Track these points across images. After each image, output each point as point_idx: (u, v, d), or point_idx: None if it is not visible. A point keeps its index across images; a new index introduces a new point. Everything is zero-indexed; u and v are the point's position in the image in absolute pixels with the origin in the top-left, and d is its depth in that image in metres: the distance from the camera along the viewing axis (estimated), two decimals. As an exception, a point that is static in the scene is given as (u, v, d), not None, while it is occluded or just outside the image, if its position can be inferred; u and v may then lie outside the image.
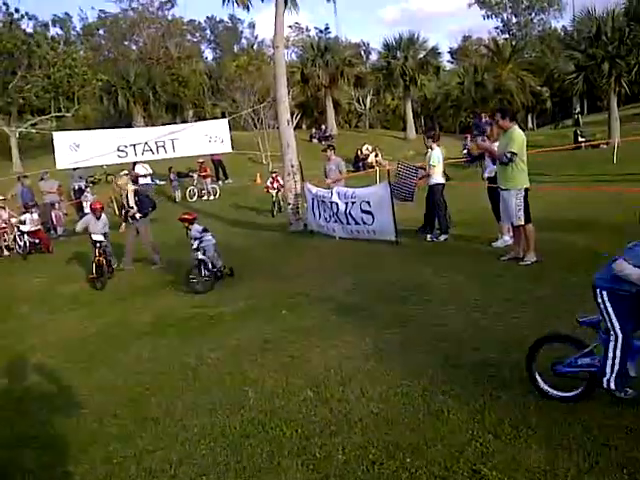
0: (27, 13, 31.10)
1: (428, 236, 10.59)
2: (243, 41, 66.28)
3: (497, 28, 61.14)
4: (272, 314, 7.32)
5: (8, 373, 6.32)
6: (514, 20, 63.23)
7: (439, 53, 37.83)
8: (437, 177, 10.53)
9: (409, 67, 34.63)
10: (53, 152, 11.96)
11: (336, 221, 11.91)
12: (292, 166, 13.68)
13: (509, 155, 7.96)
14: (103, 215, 10.94)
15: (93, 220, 10.76)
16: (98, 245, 10.51)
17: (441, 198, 10.54)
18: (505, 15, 64.14)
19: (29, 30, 31.81)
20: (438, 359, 5.14)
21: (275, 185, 18.00)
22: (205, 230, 9.70)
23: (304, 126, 43.92)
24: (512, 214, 8.15)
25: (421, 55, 36.39)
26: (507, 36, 58.12)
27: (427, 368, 4.96)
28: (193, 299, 8.76)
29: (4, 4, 29.78)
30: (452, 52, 63.88)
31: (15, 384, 5.95)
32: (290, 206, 13.88)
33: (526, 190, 8.13)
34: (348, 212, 11.42)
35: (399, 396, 4.53)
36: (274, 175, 18.23)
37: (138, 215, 11.43)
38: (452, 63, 61.43)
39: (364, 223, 11.14)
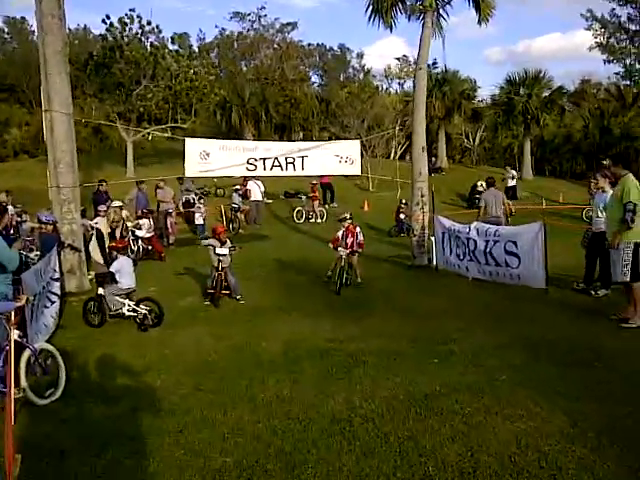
0: (157, 26, 32.08)
1: (595, 291, 9.28)
2: (349, 70, 66.51)
3: (617, 74, 58.03)
4: (420, 361, 6.38)
5: (129, 394, 5.69)
6: (637, 66, 59.89)
7: (565, 93, 35.92)
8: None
9: (532, 105, 32.97)
10: (183, 159, 11.62)
11: (471, 259, 10.83)
12: (422, 195, 12.77)
13: (631, 207, 7.13)
14: (228, 241, 10.33)
15: (217, 244, 10.17)
16: (221, 259, 9.96)
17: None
18: (628, 61, 60.89)
19: (155, 43, 32.97)
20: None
21: (348, 240, 10.93)
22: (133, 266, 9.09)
23: (407, 157, 43.02)
24: (618, 270, 7.33)
25: (546, 94, 34.63)
26: (628, 82, 55.16)
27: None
28: (321, 329, 7.96)
29: (137, 16, 30.92)
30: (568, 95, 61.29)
31: (144, 411, 5.23)
32: (415, 238, 12.93)
33: (636, 245, 7.23)
34: (488, 251, 10.32)
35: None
36: (348, 225, 11.10)
37: None
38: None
39: (507, 265, 9.99)
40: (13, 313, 5.19)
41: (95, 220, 14.79)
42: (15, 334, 5.16)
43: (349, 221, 11.20)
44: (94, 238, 9.17)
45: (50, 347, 5.94)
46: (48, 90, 10.54)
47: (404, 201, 18.42)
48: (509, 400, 5.07)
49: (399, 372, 6.00)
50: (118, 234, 11.76)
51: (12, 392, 4.47)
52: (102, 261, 9.05)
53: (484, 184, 27.14)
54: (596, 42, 45.49)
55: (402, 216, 19.17)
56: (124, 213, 15.29)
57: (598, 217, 9.08)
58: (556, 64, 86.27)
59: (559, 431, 4.44)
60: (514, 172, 28.97)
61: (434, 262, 12.35)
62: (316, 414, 4.96)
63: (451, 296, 9.90)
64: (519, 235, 9.94)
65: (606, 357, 6.18)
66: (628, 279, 7.35)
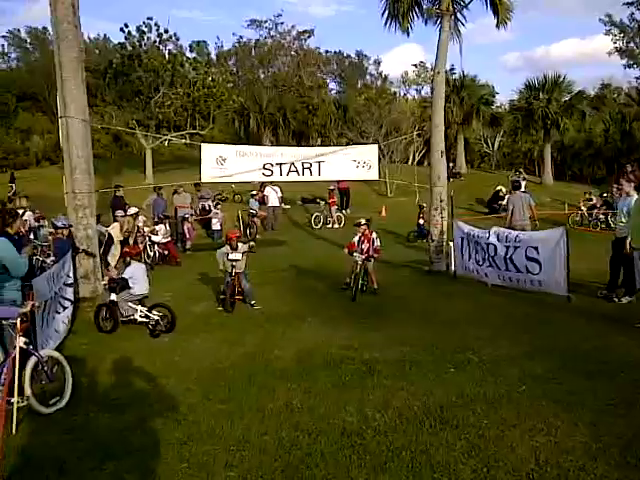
0: (175, 34, 32.30)
1: (619, 298, 8.99)
2: (367, 77, 66.28)
3: (638, 78, 57.06)
4: (437, 371, 6.16)
5: (136, 403, 5.54)
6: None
7: (585, 97, 35.32)
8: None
9: (552, 110, 32.47)
10: (199, 164, 11.52)
11: (491, 265, 10.58)
12: (441, 200, 12.54)
13: None
14: (240, 244, 10.14)
15: (229, 250, 10.01)
16: (234, 265, 9.83)
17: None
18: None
19: (173, 51, 33.22)
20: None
21: (364, 246, 10.70)
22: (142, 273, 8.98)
23: (425, 162, 42.71)
24: None
25: (566, 98, 34.12)
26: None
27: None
28: (336, 336, 7.76)
29: (155, 24, 31.17)
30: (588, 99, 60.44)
31: (149, 421, 5.07)
32: (434, 243, 12.70)
33: None
34: (509, 257, 10.06)
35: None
36: (364, 230, 10.84)
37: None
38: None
39: (528, 272, 9.72)
40: (19, 320, 5.09)
41: (112, 226, 14.84)
42: (21, 341, 5.08)
43: (364, 226, 10.95)
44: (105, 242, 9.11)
45: (57, 354, 5.83)
46: (64, 96, 10.50)
47: (424, 205, 18.09)
48: (528, 412, 4.86)
49: (414, 381, 5.82)
50: (132, 241, 11.72)
51: (15, 402, 4.37)
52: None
53: (503, 189, 26.97)
54: (615, 47, 45.08)
55: (421, 221, 18.93)
56: (141, 219, 15.27)
57: (622, 222, 8.79)
58: (573, 69, 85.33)
59: (581, 446, 4.23)
60: (524, 175, 28.59)
61: (452, 268, 12.11)
62: (326, 426, 4.79)
63: (470, 303, 9.66)
64: (540, 241, 9.68)
65: (631, 366, 5.94)
66: None
